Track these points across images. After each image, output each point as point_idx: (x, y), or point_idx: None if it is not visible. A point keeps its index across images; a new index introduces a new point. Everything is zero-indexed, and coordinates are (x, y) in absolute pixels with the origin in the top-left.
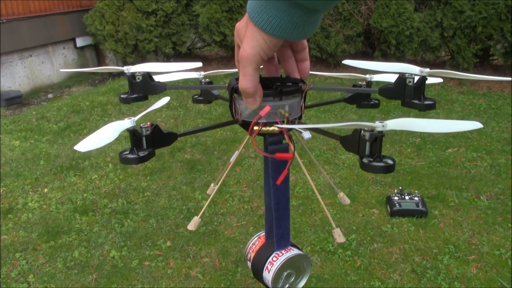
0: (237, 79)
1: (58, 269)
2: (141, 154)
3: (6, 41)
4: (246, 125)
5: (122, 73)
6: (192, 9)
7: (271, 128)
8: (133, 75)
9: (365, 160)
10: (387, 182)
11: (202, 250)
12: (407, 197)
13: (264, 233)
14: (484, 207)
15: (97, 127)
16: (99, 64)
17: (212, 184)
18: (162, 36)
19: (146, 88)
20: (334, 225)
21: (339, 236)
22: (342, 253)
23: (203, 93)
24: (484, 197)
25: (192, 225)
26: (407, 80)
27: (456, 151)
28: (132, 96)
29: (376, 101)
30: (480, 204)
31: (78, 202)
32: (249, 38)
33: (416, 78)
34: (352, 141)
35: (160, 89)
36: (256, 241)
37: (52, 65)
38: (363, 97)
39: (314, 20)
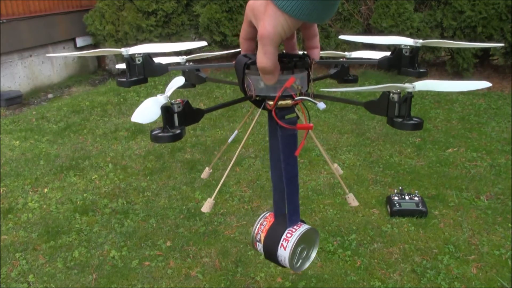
0: (245, 55)
1: (58, 269)
2: (174, 131)
3: (6, 41)
4: (256, 101)
5: (122, 73)
6: (192, 9)
7: (285, 102)
8: (132, 57)
9: (397, 120)
10: (387, 182)
11: (202, 250)
12: (407, 197)
13: (269, 213)
14: (484, 207)
15: (97, 127)
16: (99, 64)
17: (207, 168)
18: (162, 36)
19: (147, 70)
20: (347, 191)
21: (353, 200)
22: (342, 253)
23: (187, 76)
24: (484, 197)
25: (206, 207)
26: (403, 51)
27: (456, 151)
28: (132, 79)
29: (355, 76)
30: (480, 204)
31: (78, 202)
32: (271, 17)
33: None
34: (379, 104)
35: (162, 70)
36: (263, 222)
37: (52, 65)
38: (344, 73)
39: (331, 4)
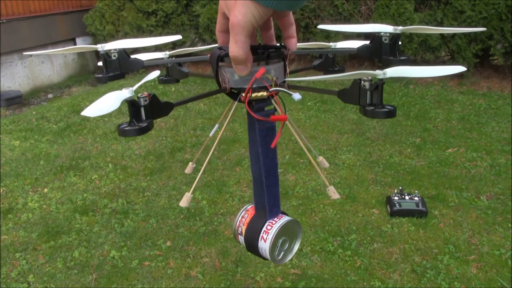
0: (220, 48)
1: (58, 269)
2: (141, 125)
3: (6, 41)
4: (232, 94)
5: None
6: (192, 9)
7: (260, 94)
8: (108, 53)
9: (369, 108)
10: (387, 182)
11: (202, 250)
12: (407, 197)
13: (250, 206)
14: (484, 207)
15: (97, 127)
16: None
17: (190, 163)
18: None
19: (122, 65)
20: (327, 183)
21: (334, 193)
22: (342, 253)
23: (170, 72)
24: (484, 197)
25: (184, 202)
26: (383, 38)
27: (456, 151)
28: (108, 75)
29: (342, 67)
30: (480, 204)
31: (78, 202)
32: (241, 6)
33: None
34: (351, 93)
35: (138, 65)
36: (244, 214)
37: (52, 65)
38: (328, 64)
39: None
